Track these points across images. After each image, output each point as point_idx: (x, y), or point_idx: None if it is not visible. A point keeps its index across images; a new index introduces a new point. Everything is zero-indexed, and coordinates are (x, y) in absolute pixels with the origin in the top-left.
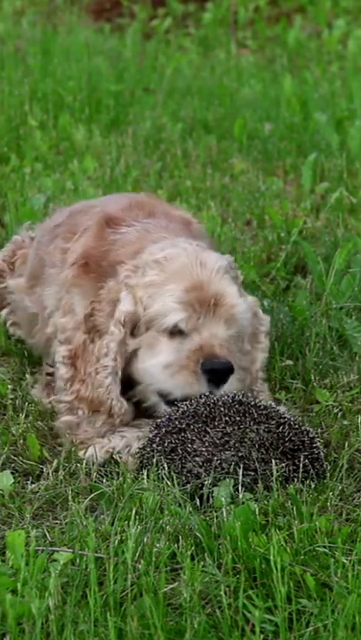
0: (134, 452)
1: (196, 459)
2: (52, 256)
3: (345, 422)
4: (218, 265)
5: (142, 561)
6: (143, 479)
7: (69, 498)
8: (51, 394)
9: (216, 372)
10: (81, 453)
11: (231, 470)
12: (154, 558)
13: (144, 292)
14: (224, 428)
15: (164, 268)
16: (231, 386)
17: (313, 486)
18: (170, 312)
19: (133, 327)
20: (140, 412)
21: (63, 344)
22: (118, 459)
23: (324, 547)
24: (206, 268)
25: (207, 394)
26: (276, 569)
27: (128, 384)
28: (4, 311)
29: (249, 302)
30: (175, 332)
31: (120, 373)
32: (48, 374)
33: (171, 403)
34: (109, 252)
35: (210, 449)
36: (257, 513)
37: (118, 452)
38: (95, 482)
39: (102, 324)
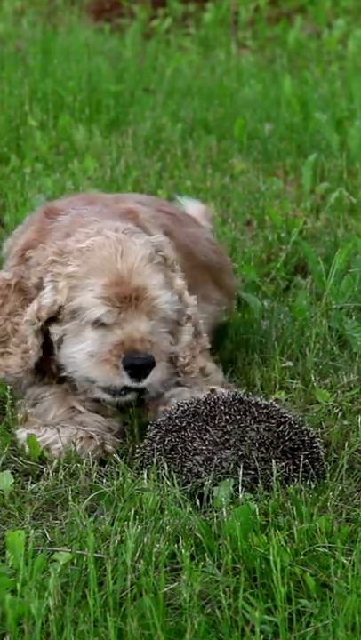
0: (62, 449)
1: (197, 457)
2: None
3: (345, 422)
4: (141, 255)
5: (142, 561)
6: (143, 479)
7: (69, 498)
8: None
9: (136, 367)
10: (17, 432)
11: (231, 469)
12: (154, 558)
13: (66, 282)
14: (224, 426)
15: (86, 260)
16: (155, 377)
17: (313, 486)
18: (91, 306)
19: (57, 314)
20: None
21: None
22: (46, 452)
23: (325, 547)
24: (127, 260)
25: (207, 393)
26: (276, 569)
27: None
28: None
29: (176, 287)
30: (99, 324)
31: (36, 357)
32: None
33: (103, 389)
34: (46, 240)
35: (210, 447)
36: (257, 513)
37: (47, 446)
38: (95, 482)
39: (28, 290)
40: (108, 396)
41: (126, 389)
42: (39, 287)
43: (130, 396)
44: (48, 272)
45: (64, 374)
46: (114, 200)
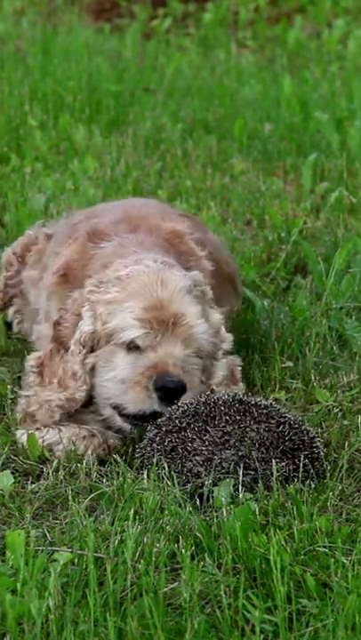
0: (63, 450)
1: (197, 458)
2: (48, 258)
3: (345, 422)
4: (180, 285)
5: (142, 561)
6: (143, 479)
7: (69, 498)
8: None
9: (167, 391)
10: (17, 432)
11: (231, 470)
12: (154, 558)
13: (104, 308)
14: (224, 427)
15: (125, 286)
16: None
17: (313, 486)
18: (127, 328)
19: (93, 344)
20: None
21: (34, 352)
22: (47, 452)
23: (324, 547)
24: (167, 288)
25: (207, 393)
26: (276, 569)
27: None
28: (11, 310)
29: (213, 321)
30: (132, 348)
31: (88, 390)
32: None
33: (126, 416)
34: (87, 267)
35: (210, 448)
36: (257, 513)
37: (49, 447)
38: (95, 482)
39: (66, 336)
40: (128, 426)
41: (152, 416)
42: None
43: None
44: (86, 301)
45: (95, 403)
46: (160, 218)
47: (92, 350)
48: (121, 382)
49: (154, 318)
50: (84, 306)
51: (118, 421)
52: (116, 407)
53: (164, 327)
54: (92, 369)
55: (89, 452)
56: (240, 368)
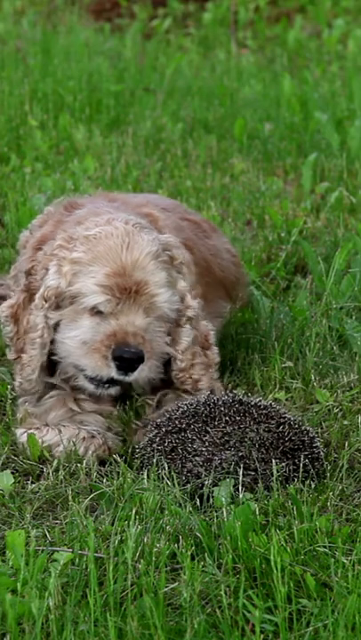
0: (63, 450)
1: (197, 458)
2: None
3: (345, 422)
4: (147, 250)
5: (142, 561)
6: (143, 479)
7: (69, 498)
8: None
9: (125, 360)
10: (17, 432)
11: (231, 470)
12: (154, 558)
13: (70, 267)
14: (224, 427)
15: (92, 247)
16: (142, 373)
17: (313, 486)
18: (90, 293)
19: (58, 299)
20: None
21: (6, 302)
22: (47, 453)
23: (325, 547)
24: (133, 253)
25: (207, 394)
26: (277, 569)
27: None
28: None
29: (179, 287)
30: (96, 312)
31: (48, 345)
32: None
33: (88, 378)
34: (60, 231)
35: (210, 449)
36: (257, 513)
37: (49, 447)
38: (95, 482)
39: (36, 288)
40: (91, 387)
41: (112, 382)
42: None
43: (113, 390)
44: (54, 256)
45: (55, 358)
46: (136, 204)
47: (57, 306)
48: (82, 343)
49: (116, 285)
50: (52, 260)
51: (81, 380)
52: (76, 367)
53: (127, 294)
54: (57, 325)
55: (89, 453)
56: (213, 333)
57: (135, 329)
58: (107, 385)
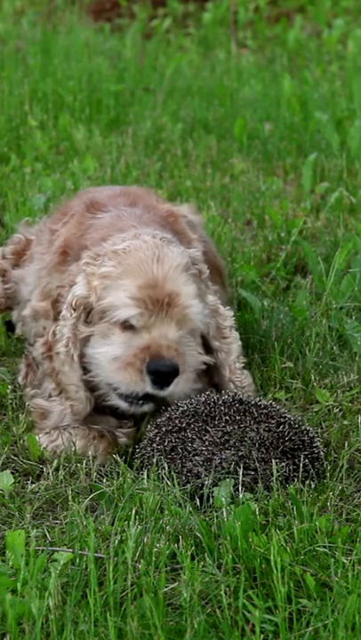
0: (75, 453)
1: (197, 458)
2: (41, 234)
3: (345, 422)
4: (177, 262)
5: (142, 561)
6: (143, 479)
7: (69, 498)
8: (29, 373)
9: (160, 374)
10: (37, 437)
11: (231, 470)
12: (154, 558)
13: (99, 282)
14: (224, 427)
15: (121, 261)
16: (177, 387)
17: (313, 486)
18: (122, 307)
19: (87, 314)
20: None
21: (39, 337)
22: (48, 454)
23: (324, 547)
24: (163, 265)
25: (207, 393)
26: (277, 569)
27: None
28: (15, 312)
29: (209, 301)
30: (127, 327)
31: (77, 358)
32: (27, 356)
33: (121, 396)
34: (83, 237)
35: (210, 448)
36: (257, 513)
37: (61, 452)
38: (95, 482)
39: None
40: (125, 405)
41: (146, 397)
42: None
43: (147, 407)
44: (81, 272)
45: (86, 377)
46: (158, 202)
47: (87, 322)
48: (113, 360)
49: (148, 297)
50: (79, 275)
51: (114, 399)
52: (109, 385)
53: (159, 307)
54: (87, 341)
55: (99, 452)
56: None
57: (168, 342)
58: (141, 402)
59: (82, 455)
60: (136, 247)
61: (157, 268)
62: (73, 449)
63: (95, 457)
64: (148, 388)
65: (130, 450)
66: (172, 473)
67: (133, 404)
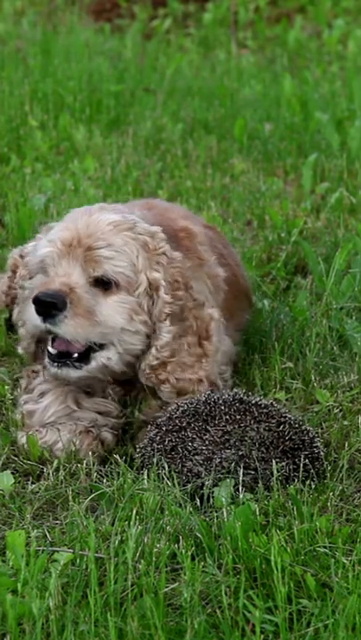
0: (62, 448)
1: (197, 457)
2: None
3: (345, 422)
4: (108, 218)
5: (143, 561)
6: (143, 479)
7: (70, 498)
8: (27, 382)
9: (40, 303)
10: (18, 435)
11: (232, 469)
12: (154, 558)
13: (43, 235)
14: (224, 426)
15: (64, 218)
16: (69, 325)
17: (313, 486)
18: (40, 248)
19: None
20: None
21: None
22: (48, 453)
23: (325, 547)
24: (91, 217)
25: (208, 393)
26: (277, 569)
27: None
28: (16, 310)
29: (151, 276)
30: (43, 268)
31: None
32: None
33: (48, 354)
34: None
35: (210, 447)
36: (257, 513)
37: (49, 447)
38: (95, 482)
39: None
40: (47, 361)
41: (66, 356)
42: None
43: (73, 373)
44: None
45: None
46: (181, 217)
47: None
48: (28, 299)
49: (61, 239)
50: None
51: (49, 344)
52: (34, 336)
53: (68, 247)
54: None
55: (83, 447)
56: (216, 322)
57: (67, 280)
58: (60, 362)
59: (67, 450)
60: (86, 209)
61: (84, 218)
62: (59, 445)
63: (78, 451)
64: (37, 321)
65: (130, 450)
66: (173, 473)
67: (55, 365)
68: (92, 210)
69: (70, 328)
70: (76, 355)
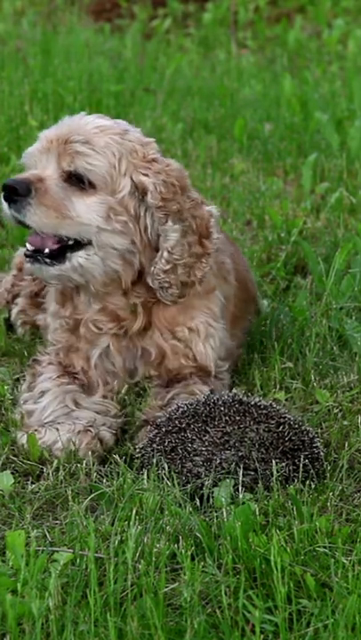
0: (61, 447)
1: (197, 458)
2: None
3: (345, 422)
4: (100, 123)
5: (142, 561)
6: (143, 479)
7: (69, 498)
8: (31, 380)
9: (5, 188)
10: (17, 435)
11: (231, 470)
12: (154, 558)
13: None
14: (224, 427)
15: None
16: (32, 215)
17: (313, 486)
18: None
19: None
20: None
21: None
22: (47, 453)
23: (325, 547)
24: (81, 120)
25: (207, 394)
26: (277, 569)
27: None
28: (15, 310)
29: (138, 179)
30: (28, 166)
31: None
32: (32, 365)
33: (27, 248)
34: None
35: (210, 448)
36: (257, 513)
37: (48, 447)
38: (95, 482)
39: None
40: (24, 258)
41: (17, 224)
42: None
43: (52, 270)
44: None
45: None
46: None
47: None
48: None
49: (47, 136)
50: None
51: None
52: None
53: (51, 144)
54: None
55: (82, 445)
56: (215, 219)
57: (39, 173)
58: (33, 257)
59: (66, 450)
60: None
61: (75, 120)
62: (58, 444)
63: (77, 450)
64: (6, 209)
65: (130, 450)
66: (172, 473)
67: (31, 258)
68: (87, 116)
69: (35, 217)
70: (47, 250)
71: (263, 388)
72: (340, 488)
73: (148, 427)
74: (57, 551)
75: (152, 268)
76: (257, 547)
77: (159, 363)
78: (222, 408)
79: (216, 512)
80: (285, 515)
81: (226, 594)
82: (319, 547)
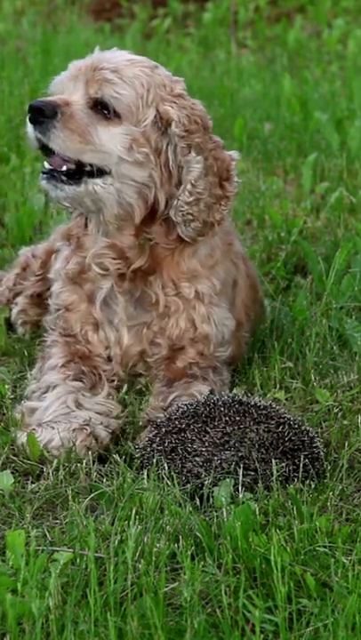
0: (58, 446)
1: (196, 459)
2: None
3: (345, 422)
4: (133, 57)
5: (142, 561)
6: (143, 479)
7: (69, 498)
8: (40, 365)
9: (30, 109)
10: (17, 434)
11: (231, 470)
12: (154, 558)
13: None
14: (224, 427)
15: None
16: (56, 138)
17: (313, 486)
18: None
19: None
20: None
21: None
22: (46, 453)
23: (325, 547)
24: (115, 53)
25: (207, 395)
26: (277, 569)
27: None
28: (15, 309)
29: (163, 109)
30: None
31: None
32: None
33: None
34: None
35: (210, 449)
36: (257, 513)
37: (45, 446)
38: (95, 482)
39: None
40: (41, 176)
41: (41, 148)
42: None
43: (67, 190)
44: None
45: None
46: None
47: None
48: None
49: (76, 64)
50: None
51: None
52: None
53: (80, 72)
54: None
55: (78, 442)
56: (234, 164)
57: (66, 97)
58: (49, 175)
59: (62, 448)
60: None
61: (107, 53)
62: (54, 443)
63: (74, 448)
64: (30, 130)
65: (130, 450)
66: (172, 473)
67: (46, 177)
68: (119, 50)
69: (59, 139)
70: (65, 168)
71: (263, 387)
72: (340, 488)
73: (149, 427)
74: (57, 551)
75: (175, 201)
76: (257, 546)
77: (162, 328)
78: (222, 408)
79: (216, 512)
80: (285, 514)
81: (226, 593)
82: (319, 546)
